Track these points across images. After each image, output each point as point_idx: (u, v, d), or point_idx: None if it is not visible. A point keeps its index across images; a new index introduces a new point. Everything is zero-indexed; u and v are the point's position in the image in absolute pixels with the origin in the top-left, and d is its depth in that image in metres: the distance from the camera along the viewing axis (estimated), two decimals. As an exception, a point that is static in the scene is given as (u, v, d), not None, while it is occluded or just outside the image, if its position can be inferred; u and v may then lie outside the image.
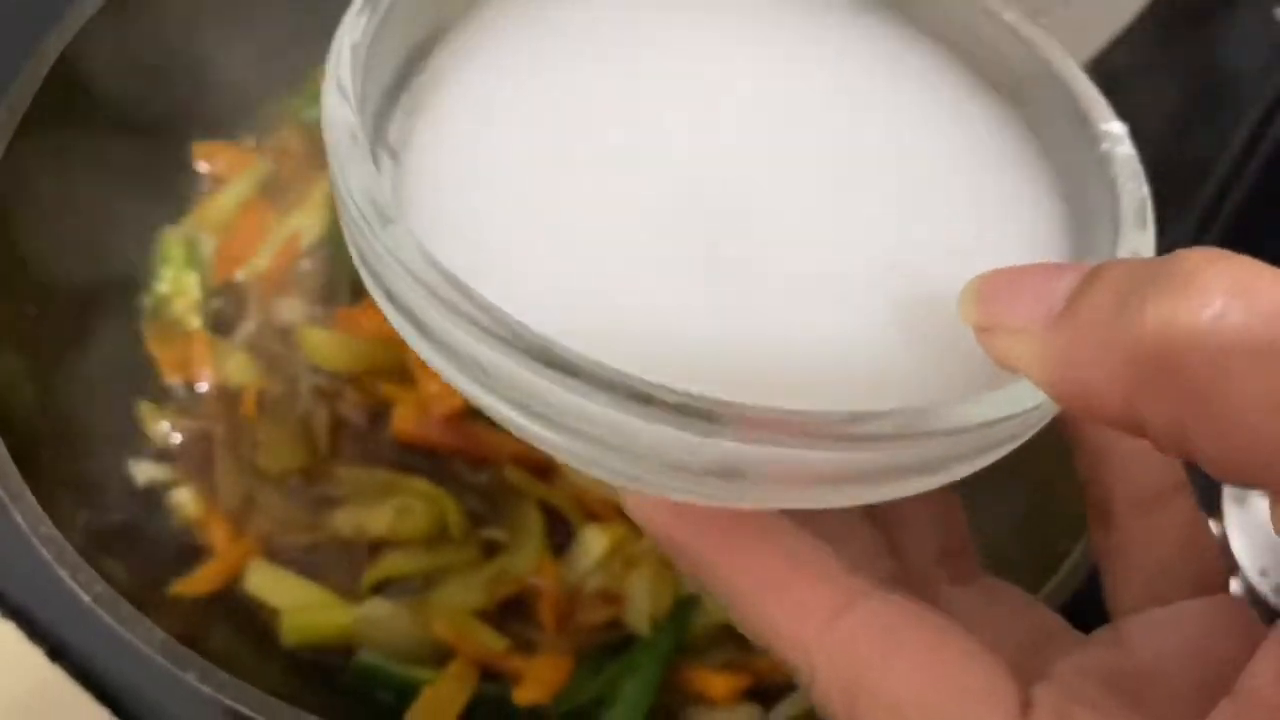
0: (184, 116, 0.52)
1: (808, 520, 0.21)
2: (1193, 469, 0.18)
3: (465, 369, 0.19)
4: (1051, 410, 0.20)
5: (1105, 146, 0.24)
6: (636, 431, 0.18)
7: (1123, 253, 0.22)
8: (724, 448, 0.18)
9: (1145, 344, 0.16)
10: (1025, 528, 0.44)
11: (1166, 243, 0.20)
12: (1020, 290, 0.18)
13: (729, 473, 0.19)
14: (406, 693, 0.43)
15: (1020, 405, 0.19)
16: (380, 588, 0.46)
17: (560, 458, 0.20)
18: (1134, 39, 0.48)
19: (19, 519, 0.37)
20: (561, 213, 0.22)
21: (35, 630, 0.44)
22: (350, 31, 0.22)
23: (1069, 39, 0.48)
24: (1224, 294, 0.15)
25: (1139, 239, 0.22)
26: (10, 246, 0.44)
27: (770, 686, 0.45)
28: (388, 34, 0.23)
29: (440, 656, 0.44)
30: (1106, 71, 0.50)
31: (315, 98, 0.54)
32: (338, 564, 0.46)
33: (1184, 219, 0.57)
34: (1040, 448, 0.51)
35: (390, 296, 0.20)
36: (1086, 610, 0.37)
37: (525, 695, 0.44)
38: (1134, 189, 0.23)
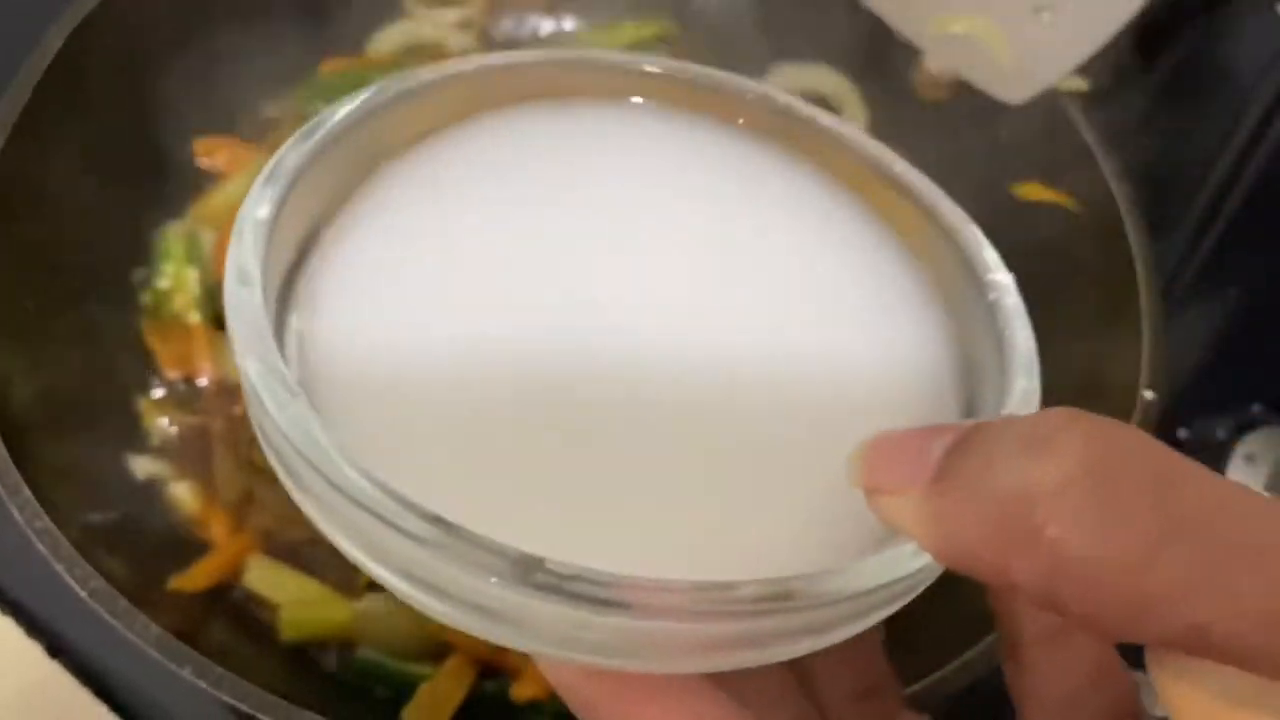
0: (184, 111, 0.52)
1: None
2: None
3: (354, 542, 0.20)
4: (939, 568, 0.20)
5: (993, 297, 0.24)
6: (525, 606, 0.18)
7: (1011, 402, 0.22)
8: (612, 622, 0.18)
9: (1010, 507, 0.16)
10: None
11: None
12: (901, 454, 0.18)
13: (619, 645, 0.19)
14: (404, 689, 0.43)
15: (907, 567, 0.20)
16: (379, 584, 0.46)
17: (459, 628, 0.20)
18: (1135, 37, 0.48)
19: (16, 514, 0.37)
20: (448, 386, 0.22)
21: (34, 625, 0.44)
22: (255, 206, 0.22)
23: (1070, 37, 0.48)
24: (1079, 455, 0.16)
25: (1026, 389, 0.23)
26: (10, 240, 0.44)
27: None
28: (295, 201, 0.23)
29: (438, 653, 0.44)
30: (1107, 69, 0.50)
31: (317, 93, 0.55)
32: (336, 559, 0.46)
33: (1184, 219, 0.57)
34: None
35: (285, 467, 0.20)
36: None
37: (523, 691, 0.44)
38: (1021, 340, 0.24)
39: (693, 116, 0.28)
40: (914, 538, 0.18)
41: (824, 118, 0.28)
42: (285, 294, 0.23)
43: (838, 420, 0.22)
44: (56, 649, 0.44)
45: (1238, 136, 0.58)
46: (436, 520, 0.18)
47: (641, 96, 0.28)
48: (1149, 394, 0.41)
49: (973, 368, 0.25)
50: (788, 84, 0.58)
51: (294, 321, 0.23)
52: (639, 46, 0.58)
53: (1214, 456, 0.50)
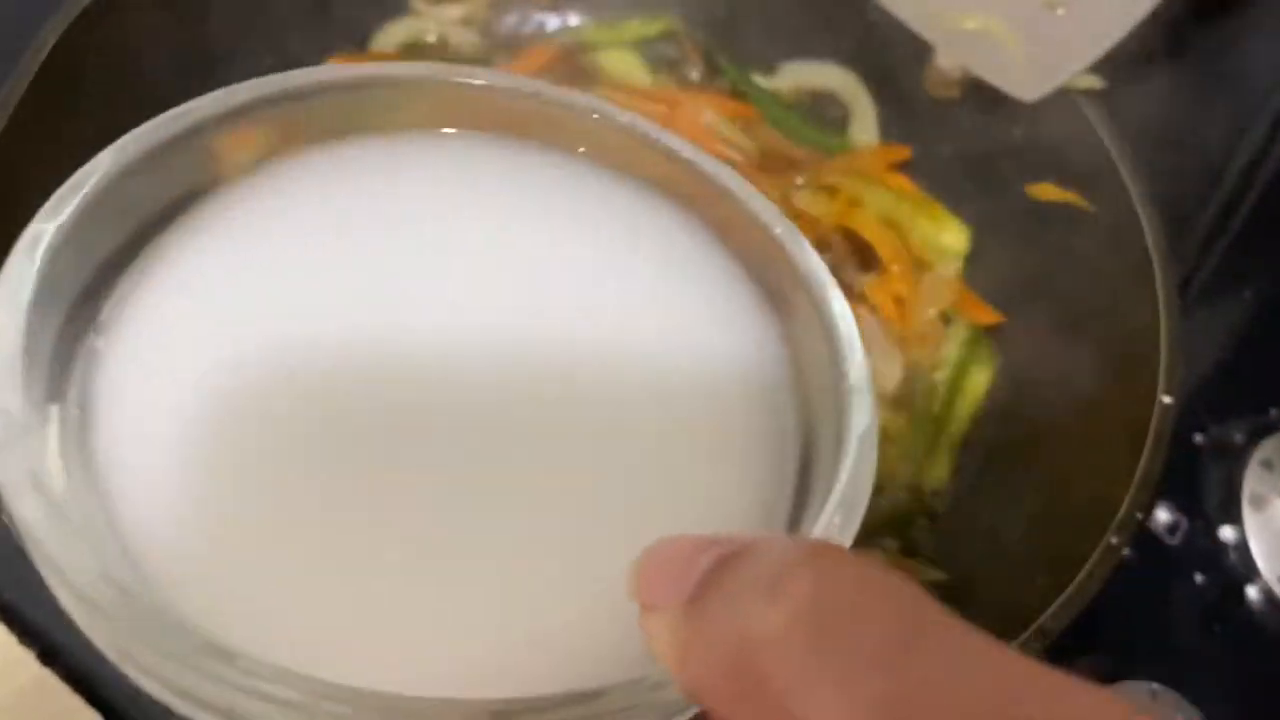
0: (182, 109, 0.51)
1: None
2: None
3: (110, 651, 0.19)
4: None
5: (844, 387, 0.23)
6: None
7: (834, 497, 0.21)
8: None
9: (741, 650, 0.15)
10: (1038, 530, 0.44)
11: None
12: (667, 568, 0.17)
13: None
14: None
15: (660, 697, 0.18)
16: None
17: None
18: (1150, 34, 0.47)
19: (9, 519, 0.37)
20: (229, 438, 0.20)
21: (26, 631, 0.44)
22: (45, 219, 0.22)
23: (1084, 33, 0.48)
24: (806, 599, 0.14)
25: (850, 483, 0.21)
26: (7, 240, 0.43)
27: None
28: (100, 217, 0.22)
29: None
30: (1122, 66, 0.49)
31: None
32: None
33: (1199, 220, 0.56)
34: (1049, 446, 0.50)
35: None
36: (1101, 613, 0.37)
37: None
38: (855, 429, 0.22)
39: (522, 141, 0.27)
40: (664, 664, 0.16)
41: (704, 162, 0.26)
42: (84, 312, 0.22)
43: (652, 504, 0.21)
44: (49, 655, 0.43)
45: (1253, 136, 0.58)
46: (151, 608, 0.17)
47: (491, 117, 0.27)
48: (1167, 399, 0.41)
49: (818, 451, 0.23)
50: (797, 82, 0.57)
51: (90, 341, 0.22)
52: (645, 43, 0.57)
53: (1231, 461, 0.50)
